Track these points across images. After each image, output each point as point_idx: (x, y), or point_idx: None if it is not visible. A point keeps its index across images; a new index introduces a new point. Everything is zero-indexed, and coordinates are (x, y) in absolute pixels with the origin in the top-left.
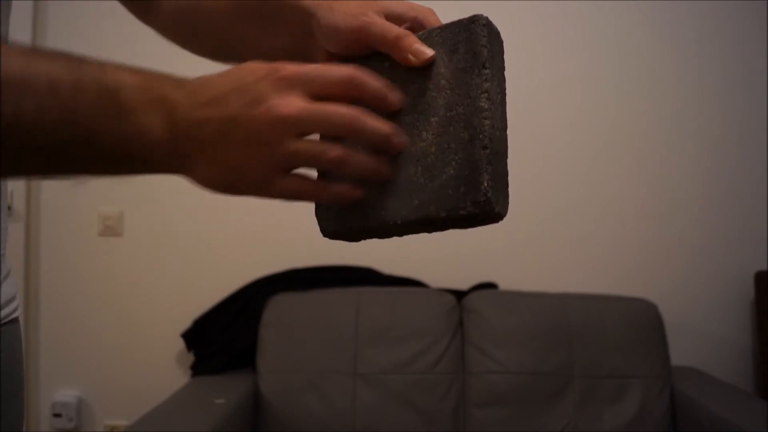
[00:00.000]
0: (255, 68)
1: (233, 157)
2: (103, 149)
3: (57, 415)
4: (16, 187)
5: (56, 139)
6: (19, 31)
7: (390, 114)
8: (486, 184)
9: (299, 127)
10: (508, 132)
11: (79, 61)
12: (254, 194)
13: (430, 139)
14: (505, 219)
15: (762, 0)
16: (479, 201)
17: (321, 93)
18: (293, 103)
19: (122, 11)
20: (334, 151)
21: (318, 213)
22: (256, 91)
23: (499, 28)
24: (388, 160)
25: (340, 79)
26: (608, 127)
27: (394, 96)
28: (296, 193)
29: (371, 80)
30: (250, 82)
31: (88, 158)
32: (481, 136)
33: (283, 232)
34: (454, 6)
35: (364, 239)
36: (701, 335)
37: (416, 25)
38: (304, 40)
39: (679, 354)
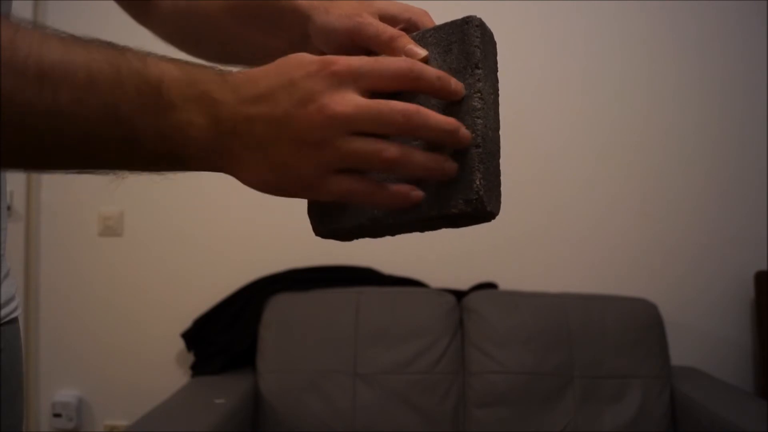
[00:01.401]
0: (305, 62)
1: (283, 157)
2: (143, 145)
3: (57, 415)
4: (16, 187)
5: (94, 133)
6: None
7: None
8: (478, 183)
9: (354, 126)
10: (507, 132)
11: (120, 52)
12: (305, 196)
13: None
14: (505, 219)
15: (762, 0)
16: (471, 200)
17: (377, 88)
18: (347, 101)
19: (122, 11)
20: (392, 150)
21: (310, 212)
22: (306, 87)
23: (499, 28)
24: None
25: (398, 71)
26: (608, 127)
27: (457, 85)
28: (350, 194)
29: (429, 71)
30: (300, 77)
31: (127, 154)
32: (473, 136)
33: (283, 232)
34: (454, 6)
35: (357, 239)
36: (701, 335)
37: (410, 26)
38: (302, 42)
39: (679, 354)
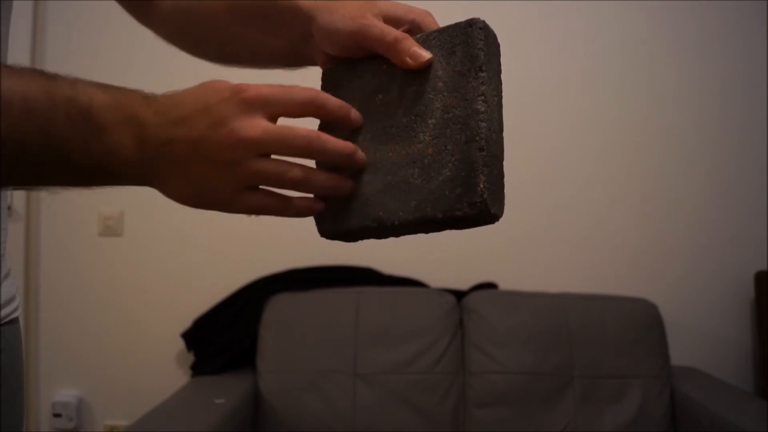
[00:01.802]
0: (219, 88)
1: (199, 175)
2: (77, 165)
3: (57, 415)
4: None
5: (31, 156)
6: (19, 31)
7: (387, 117)
8: (482, 186)
9: (261, 148)
10: (507, 133)
11: (52, 80)
12: (221, 210)
13: (428, 141)
14: (505, 219)
15: (762, 0)
16: (475, 202)
17: (283, 114)
18: (255, 126)
19: (123, 11)
20: (294, 171)
21: (316, 214)
22: (219, 112)
23: (500, 28)
24: (348, 175)
25: (302, 100)
26: (608, 127)
27: (355, 115)
28: (261, 209)
29: (331, 101)
30: (215, 103)
31: (63, 173)
32: (477, 138)
33: (283, 232)
34: (455, 6)
35: (362, 240)
36: (701, 335)
37: (414, 28)
38: (303, 42)
39: (679, 354)
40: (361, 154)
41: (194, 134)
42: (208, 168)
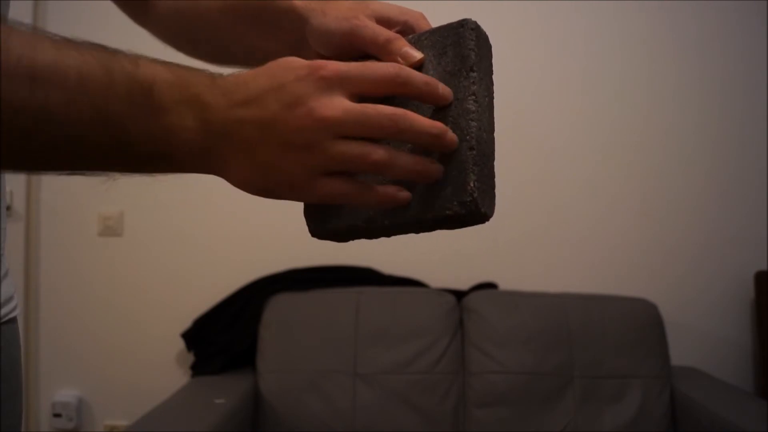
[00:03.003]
0: (294, 66)
1: (271, 160)
2: (134, 147)
3: (57, 415)
4: (15, 187)
5: (85, 135)
6: None
7: None
8: (472, 185)
9: (342, 129)
10: (507, 133)
11: (112, 54)
12: (292, 198)
13: None
14: (505, 219)
15: (762, 0)
16: (465, 201)
17: (365, 92)
18: (336, 105)
19: (122, 12)
20: (378, 153)
21: (306, 213)
22: (295, 91)
23: (500, 28)
24: (436, 159)
25: (385, 76)
26: (608, 127)
27: (444, 90)
28: (339, 197)
29: (417, 76)
30: (289, 81)
31: (117, 156)
32: (468, 138)
33: (283, 232)
34: (455, 6)
35: (353, 240)
36: (701, 335)
37: (406, 29)
38: (298, 44)
39: (679, 354)
40: (452, 135)
41: (266, 115)
42: (281, 151)
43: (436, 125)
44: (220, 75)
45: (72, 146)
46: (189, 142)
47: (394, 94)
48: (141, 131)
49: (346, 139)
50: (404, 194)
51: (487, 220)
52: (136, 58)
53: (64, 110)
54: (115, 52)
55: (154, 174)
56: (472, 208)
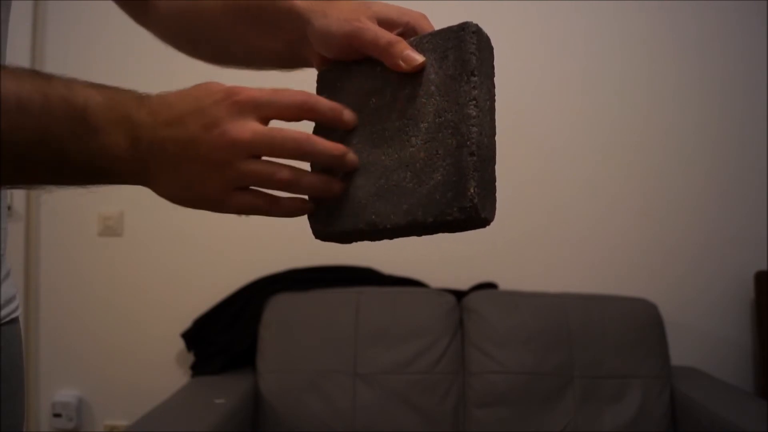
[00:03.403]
0: (212, 90)
1: (191, 175)
2: (72, 165)
3: (57, 415)
4: None
5: (27, 156)
6: (19, 31)
7: (380, 120)
8: (473, 191)
9: (252, 150)
10: (507, 133)
11: (47, 80)
12: (211, 209)
13: (419, 145)
14: (505, 219)
15: (762, 0)
16: (465, 207)
17: (275, 117)
18: (246, 128)
19: (123, 12)
20: (284, 172)
21: (310, 215)
22: (212, 114)
23: (500, 29)
24: (340, 177)
25: (293, 103)
26: (608, 127)
27: (348, 116)
28: (250, 209)
29: (323, 103)
30: (207, 105)
31: (58, 172)
32: (468, 143)
33: (283, 232)
34: (456, 6)
35: (355, 241)
36: (701, 335)
37: (408, 31)
38: (299, 44)
39: (679, 354)
40: (351, 156)
41: (186, 135)
42: (200, 168)
43: (337, 147)
44: (147, 95)
45: (15, 166)
46: (121, 158)
47: (302, 119)
48: (78, 150)
49: (256, 159)
50: (308, 205)
51: (488, 224)
52: (69, 83)
53: (6, 135)
54: (50, 78)
55: (93, 186)
56: (472, 214)
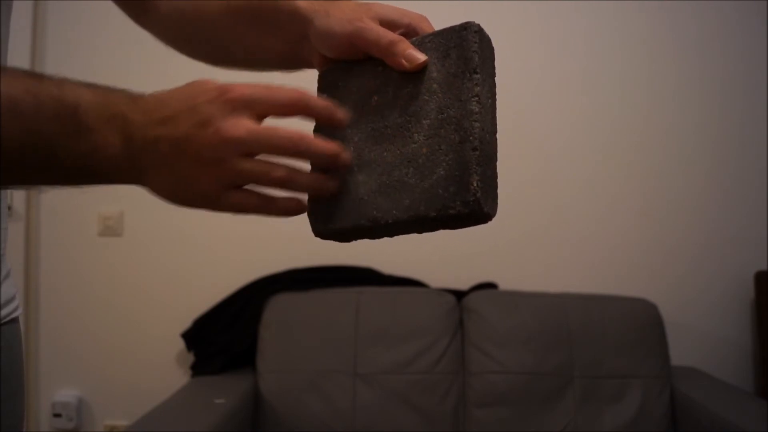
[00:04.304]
0: (205, 88)
1: (184, 173)
2: (65, 164)
3: (57, 415)
4: None
5: (18, 156)
6: (19, 31)
7: (382, 118)
8: (475, 185)
9: (246, 148)
10: (507, 133)
11: (38, 79)
12: (204, 208)
13: (422, 141)
14: (505, 219)
15: (762, 0)
16: (468, 201)
17: (268, 114)
18: (240, 125)
19: (122, 12)
20: (279, 171)
21: (310, 213)
22: (205, 112)
23: (500, 29)
24: (342, 175)
25: (287, 100)
26: (608, 127)
27: (341, 114)
28: (244, 207)
29: (316, 102)
30: (200, 102)
31: (51, 172)
32: (471, 138)
33: (283, 232)
34: (456, 6)
35: (356, 239)
36: (701, 335)
37: (410, 31)
38: (300, 44)
39: (679, 354)
40: (345, 155)
41: (179, 133)
42: (193, 166)
43: (332, 147)
44: (140, 94)
45: (5, 166)
46: (114, 157)
47: (297, 116)
48: (70, 149)
49: (250, 157)
50: (302, 205)
51: (490, 219)
52: (60, 82)
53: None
54: (41, 77)
55: (85, 186)
56: (475, 208)
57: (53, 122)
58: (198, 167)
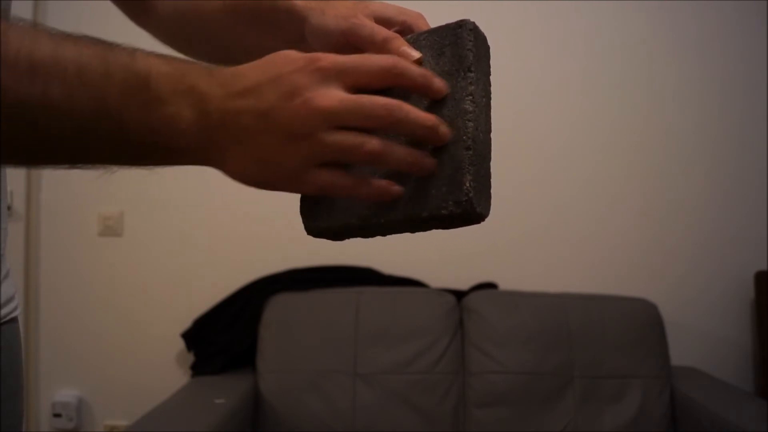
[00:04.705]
0: (292, 58)
1: (268, 150)
2: (132, 138)
3: (57, 415)
4: (16, 187)
5: (84, 127)
6: None
7: None
8: (468, 185)
9: (337, 119)
10: (507, 133)
11: (109, 47)
12: (288, 189)
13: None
14: (505, 219)
15: (762, 0)
16: (461, 201)
17: (360, 84)
18: (332, 95)
19: (122, 12)
20: (373, 143)
21: (302, 211)
22: (292, 82)
23: (500, 29)
24: (429, 152)
25: (381, 68)
26: (608, 127)
27: (440, 83)
28: (333, 187)
29: (413, 69)
30: (287, 72)
31: (116, 147)
32: (464, 138)
33: (283, 232)
34: (456, 5)
35: (348, 238)
36: (701, 335)
37: (405, 29)
38: (297, 43)
39: (679, 354)
40: (445, 128)
41: (263, 105)
42: (278, 141)
43: (431, 117)
44: (217, 67)
45: (71, 139)
46: (186, 132)
47: (391, 85)
48: (139, 122)
49: (342, 129)
50: (396, 188)
51: (483, 220)
52: (132, 51)
53: (63, 102)
54: (112, 46)
55: (152, 166)
56: (468, 208)
57: (123, 92)
58: (283, 142)
